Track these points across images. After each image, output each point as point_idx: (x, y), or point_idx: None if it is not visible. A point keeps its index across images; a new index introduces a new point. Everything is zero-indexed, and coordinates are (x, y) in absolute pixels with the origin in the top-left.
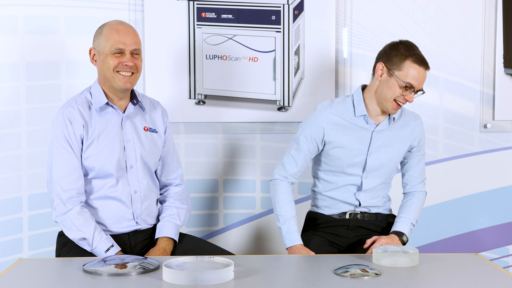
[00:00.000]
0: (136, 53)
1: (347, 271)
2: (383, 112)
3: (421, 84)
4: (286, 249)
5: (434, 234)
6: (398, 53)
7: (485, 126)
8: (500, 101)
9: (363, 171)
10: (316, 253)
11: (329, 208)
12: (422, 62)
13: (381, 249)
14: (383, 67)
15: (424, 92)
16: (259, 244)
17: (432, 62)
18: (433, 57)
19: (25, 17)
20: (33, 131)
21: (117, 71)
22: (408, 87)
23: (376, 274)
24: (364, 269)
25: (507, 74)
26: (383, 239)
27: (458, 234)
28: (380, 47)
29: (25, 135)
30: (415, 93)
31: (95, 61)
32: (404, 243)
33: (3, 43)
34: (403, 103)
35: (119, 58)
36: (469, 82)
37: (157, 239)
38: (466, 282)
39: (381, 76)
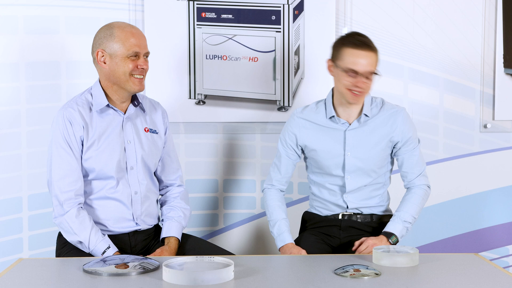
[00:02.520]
0: (147, 56)
1: (347, 271)
2: (354, 111)
3: (365, 67)
4: (279, 250)
5: (434, 234)
6: (336, 44)
7: (485, 126)
8: (500, 101)
9: (343, 172)
10: (308, 251)
11: (322, 209)
12: (359, 45)
13: (381, 249)
14: (330, 63)
15: (378, 75)
16: (259, 244)
17: (432, 62)
18: (433, 57)
19: (25, 17)
20: (33, 131)
21: (131, 75)
22: (352, 73)
23: (376, 274)
24: (364, 269)
25: (507, 74)
26: (370, 240)
27: (458, 234)
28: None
29: (25, 135)
30: (366, 78)
31: (104, 63)
32: (393, 244)
33: (3, 43)
34: (358, 91)
35: (134, 62)
36: (469, 82)
37: (164, 238)
38: (466, 282)
39: (331, 72)
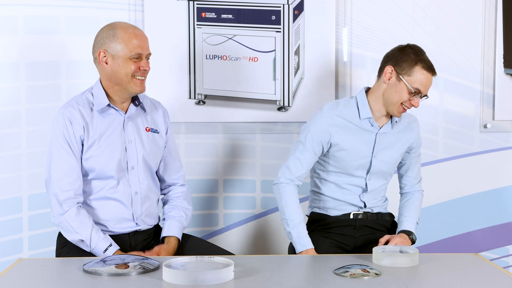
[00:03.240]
0: (149, 57)
1: (347, 271)
2: (386, 115)
3: (427, 89)
4: (298, 253)
5: (434, 234)
6: (408, 58)
7: (485, 126)
8: (500, 101)
9: (367, 173)
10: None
11: (333, 209)
12: (431, 69)
13: (381, 249)
14: (392, 71)
15: (428, 97)
16: (259, 244)
17: (432, 62)
18: (433, 57)
19: (25, 17)
20: (33, 131)
21: (133, 76)
22: (416, 93)
23: (376, 274)
24: (364, 269)
25: (507, 74)
26: (397, 238)
27: (458, 234)
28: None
29: (25, 135)
30: (420, 98)
31: (106, 63)
32: (413, 242)
33: (3, 43)
34: (409, 108)
35: (137, 63)
36: (469, 82)
37: (164, 237)
38: (466, 282)
39: (389, 79)
